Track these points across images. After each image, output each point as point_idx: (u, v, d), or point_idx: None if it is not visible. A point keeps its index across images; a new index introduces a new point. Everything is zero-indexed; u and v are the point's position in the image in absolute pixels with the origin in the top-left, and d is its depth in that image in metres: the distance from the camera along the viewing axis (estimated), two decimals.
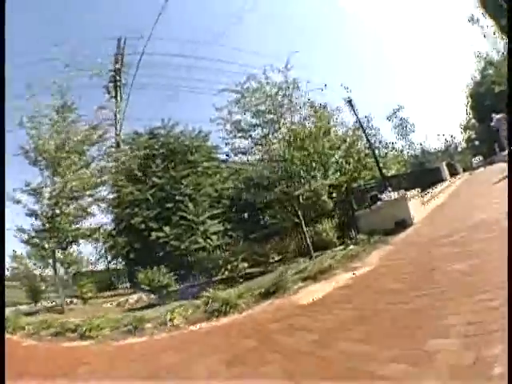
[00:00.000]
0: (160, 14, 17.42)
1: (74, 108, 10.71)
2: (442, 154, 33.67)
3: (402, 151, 19.22)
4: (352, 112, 12.85)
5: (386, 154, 16.98)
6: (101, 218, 13.86)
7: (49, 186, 9.71)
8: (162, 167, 15.22)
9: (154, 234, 13.25)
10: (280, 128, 10.37)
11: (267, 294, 5.93)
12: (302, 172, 10.14)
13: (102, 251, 15.62)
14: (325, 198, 11.97)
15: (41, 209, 9.69)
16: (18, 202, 9.55)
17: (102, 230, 13.42)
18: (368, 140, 12.66)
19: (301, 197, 10.02)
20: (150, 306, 8.59)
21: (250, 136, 10.59)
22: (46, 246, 9.86)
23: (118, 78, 17.42)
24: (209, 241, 13.26)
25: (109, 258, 15.63)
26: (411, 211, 9.73)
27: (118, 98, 17.68)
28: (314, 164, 11.46)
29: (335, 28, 45.59)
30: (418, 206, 10.76)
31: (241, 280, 8.52)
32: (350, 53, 47.50)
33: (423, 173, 17.20)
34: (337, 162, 15.09)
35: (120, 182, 14.44)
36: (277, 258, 10.14)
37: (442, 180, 19.31)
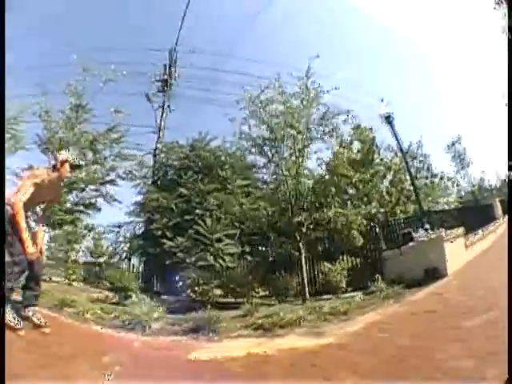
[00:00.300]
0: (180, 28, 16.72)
1: (88, 109, 10.58)
2: (497, 191, 27.85)
3: (454, 182, 15.75)
4: (390, 130, 10.42)
5: (433, 183, 13.96)
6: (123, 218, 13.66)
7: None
8: (193, 179, 14.31)
9: (167, 243, 12.27)
10: (296, 144, 8.66)
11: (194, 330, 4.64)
12: (310, 196, 8.26)
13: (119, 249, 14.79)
14: (354, 232, 9.93)
15: None
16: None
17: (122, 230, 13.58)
18: (407, 166, 10.13)
19: (304, 226, 8.12)
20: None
21: (264, 151, 9.06)
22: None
23: (165, 88, 17.11)
24: (220, 261, 11.75)
25: (122, 256, 14.96)
26: (447, 257, 7.19)
27: (165, 108, 17.36)
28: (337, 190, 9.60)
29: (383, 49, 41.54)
30: (461, 249, 8.06)
31: (209, 307, 6.96)
32: (396, 73, 42.68)
33: (474, 209, 13.56)
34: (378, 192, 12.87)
35: (149, 188, 14.20)
36: (262, 293, 8.33)
37: (494, 218, 15.38)
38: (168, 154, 15.31)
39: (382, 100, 10.51)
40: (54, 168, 3.62)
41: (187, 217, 12.73)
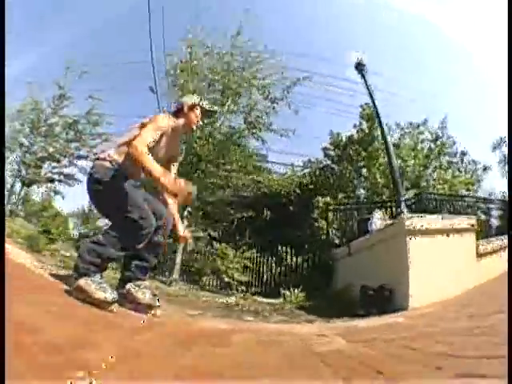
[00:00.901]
0: None
1: (69, 97, 10.13)
2: None
3: (486, 168, 9.83)
4: (362, 81, 5.90)
5: (451, 163, 8.62)
6: None
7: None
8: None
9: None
10: None
11: None
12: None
13: None
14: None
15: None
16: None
17: None
18: (381, 125, 5.49)
19: None
20: None
21: None
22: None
23: None
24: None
25: None
26: (414, 268, 2.92)
27: None
28: None
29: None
30: (464, 257, 3.35)
31: None
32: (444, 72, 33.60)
33: (499, 204, 7.16)
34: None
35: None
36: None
37: None
38: None
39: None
40: (178, 114, 2.21)
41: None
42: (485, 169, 10.16)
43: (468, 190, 8.65)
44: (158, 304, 2.06)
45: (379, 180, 7.91)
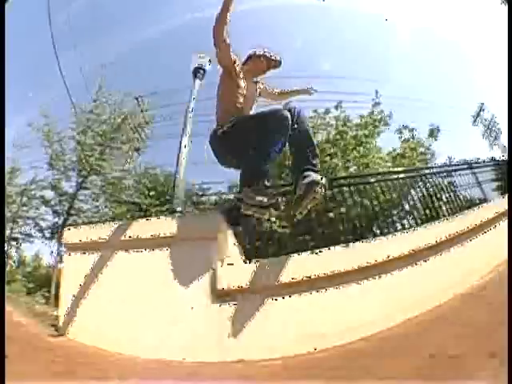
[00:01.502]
0: None
1: (18, 169, 11.18)
2: None
3: (432, 132, 7.54)
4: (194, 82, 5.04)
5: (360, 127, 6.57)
6: None
7: None
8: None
9: None
10: None
11: None
12: None
13: None
14: None
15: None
16: None
17: None
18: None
19: None
20: None
21: None
22: None
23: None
24: None
25: None
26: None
27: None
28: None
29: None
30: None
31: None
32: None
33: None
34: None
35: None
36: None
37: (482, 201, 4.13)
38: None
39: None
40: (247, 61, 2.41)
41: None
42: (431, 133, 8.06)
43: (403, 164, 6.74)
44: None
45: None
